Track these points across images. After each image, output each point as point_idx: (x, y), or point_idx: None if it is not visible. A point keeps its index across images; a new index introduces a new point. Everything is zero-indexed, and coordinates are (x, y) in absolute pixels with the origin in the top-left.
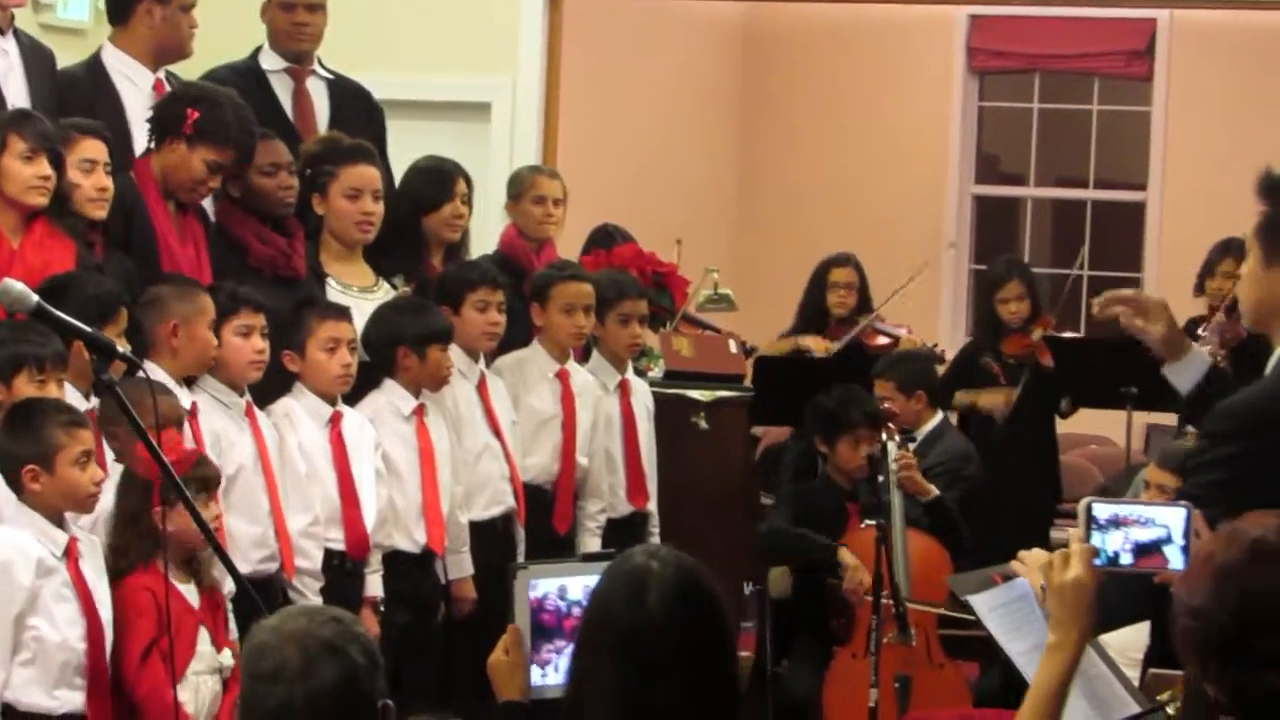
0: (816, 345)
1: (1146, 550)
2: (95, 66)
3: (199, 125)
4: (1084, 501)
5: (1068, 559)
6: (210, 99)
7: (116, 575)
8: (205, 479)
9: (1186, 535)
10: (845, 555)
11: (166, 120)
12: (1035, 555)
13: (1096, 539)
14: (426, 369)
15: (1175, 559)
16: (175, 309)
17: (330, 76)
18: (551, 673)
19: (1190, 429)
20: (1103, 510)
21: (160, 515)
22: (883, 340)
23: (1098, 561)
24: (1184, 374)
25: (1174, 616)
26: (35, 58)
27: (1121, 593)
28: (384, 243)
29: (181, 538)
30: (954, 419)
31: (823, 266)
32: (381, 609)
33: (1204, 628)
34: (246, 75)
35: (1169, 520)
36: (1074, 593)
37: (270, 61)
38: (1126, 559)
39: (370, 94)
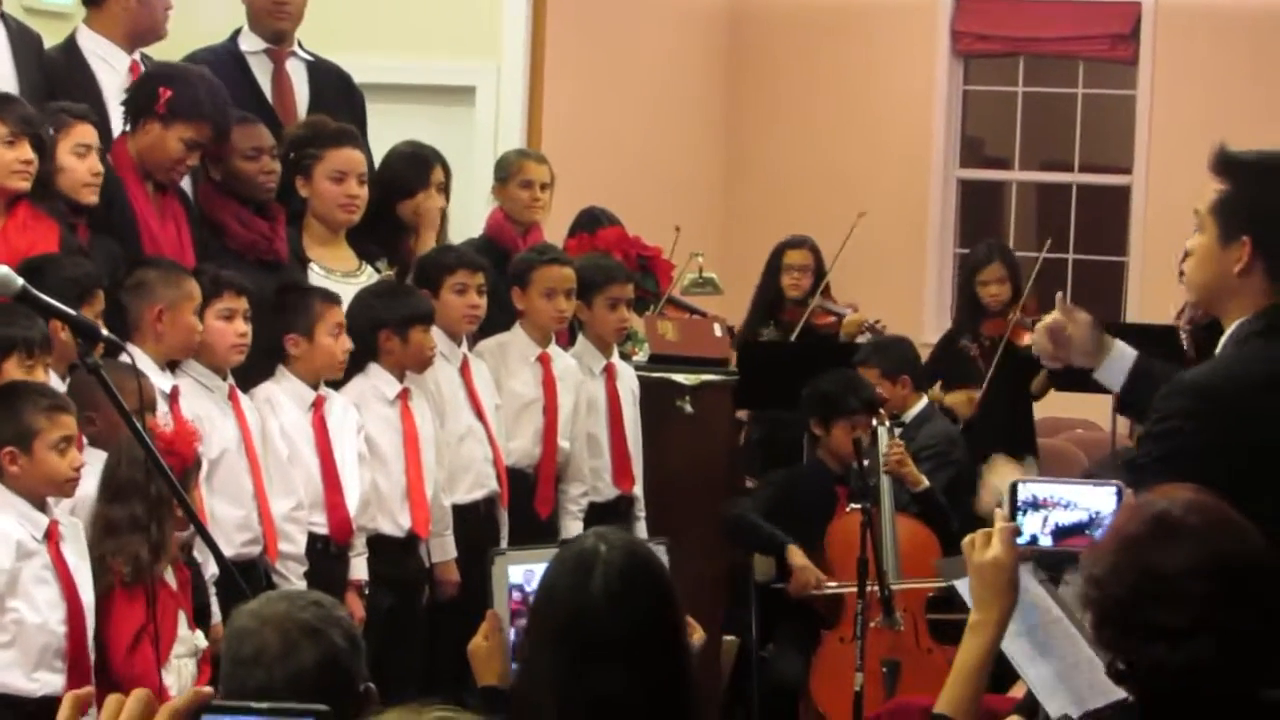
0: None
1: (1067, 532)
2: (71, 49)
3: (172, 104)
4: (1009, 481)
5: (989, 538)
6: (182, 77)
7: (101, 563)
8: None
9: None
10: (793, 555)
11: (140, 101)
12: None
13: (1019, 519)
14: (409, 351)
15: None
16: (161, 294)
17: (310, 58)
18: None
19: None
20: (1025, 490)
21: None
22: (830, 319)
23: (1019, 541)
24: (1112, 372)
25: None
26: (23, 41)
27: None
28: (363, 227)
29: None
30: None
31: (778, 249)
32: (366, 592)
33: (1101, 597)
34: (226, 57)
35: (1095, 501)
36: (993, 571)
37: (249, 43)
38: (1045, 540)
39: (350, 77)
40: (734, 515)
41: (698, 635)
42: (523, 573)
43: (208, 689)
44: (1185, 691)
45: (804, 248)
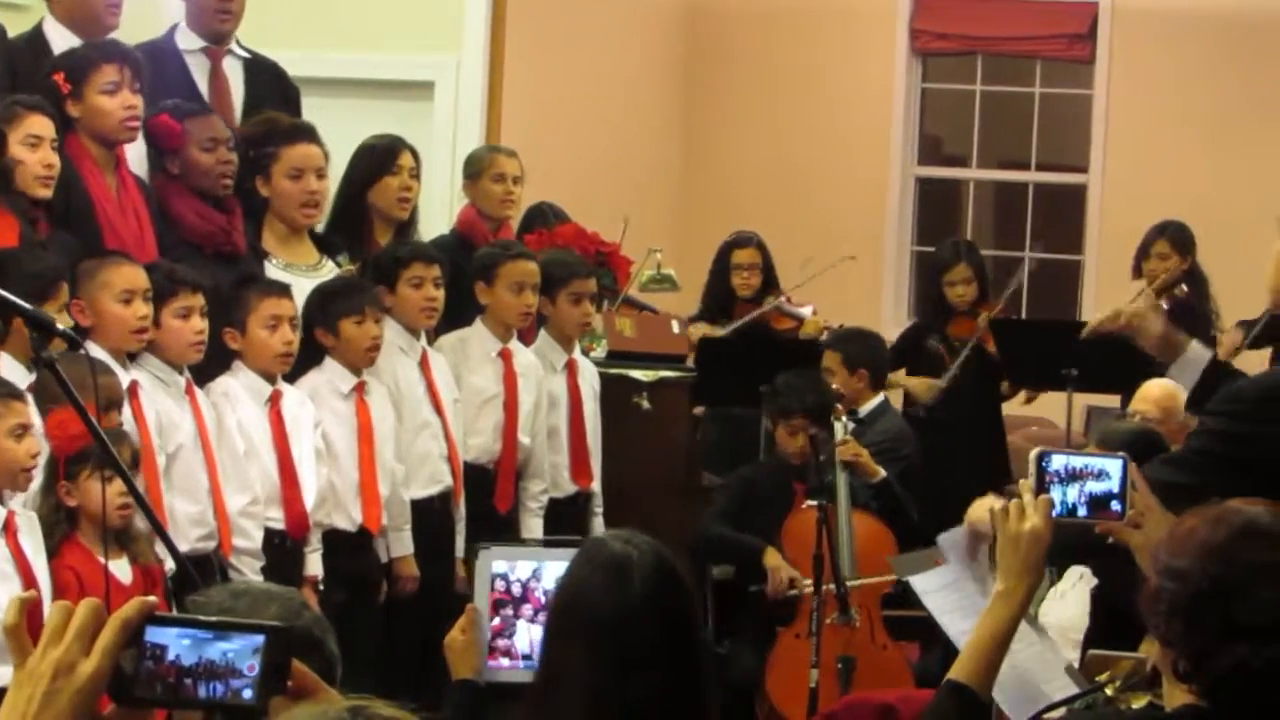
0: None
1: (1099, 503)
2: (36, 39)
3: (71, 75)
4: (1034, 451)
5: (1023, 509)
6: (65, 55)
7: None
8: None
9: (1123, 485)
10: (769, 556)
11: (52, 98)
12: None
13: (1055, 492)
14: (344, 345)
15: (1117, 508)
16: (81, 286)
17: (247, 55)
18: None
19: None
20: (1057, 461)
21: (64, 490)
22: (789, 322)
23: (1055, 512)
24: (1186, 373)
25: (1143, 577)
26: None
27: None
28: (329, 221)
29: (88, 512)
30: (895, 399)
31: (725, 248)
32: (320, 588)
33: (1181, 589)
34: (161, 54)
35: (1112, 471)
36: (1030, 542)
37: (186, 41)
38: (1083, 510)
39: (285, 72)
40: (704, 535)
41: None
42: (506, 567)
43: (153, 598)
44: (1263, 694)
45: (751, 246)
